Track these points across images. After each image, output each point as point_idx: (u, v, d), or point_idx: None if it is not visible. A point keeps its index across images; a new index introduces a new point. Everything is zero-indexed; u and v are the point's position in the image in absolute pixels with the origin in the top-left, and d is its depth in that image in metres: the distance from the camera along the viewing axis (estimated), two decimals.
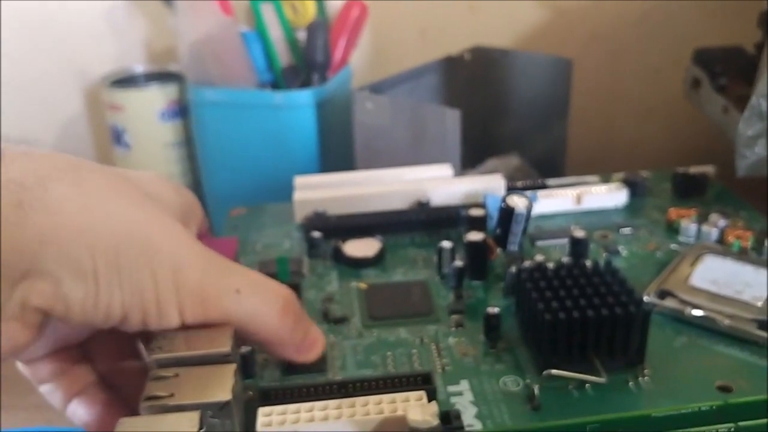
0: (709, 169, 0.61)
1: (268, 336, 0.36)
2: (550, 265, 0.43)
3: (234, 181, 0.78)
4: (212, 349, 0.34)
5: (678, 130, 0.92)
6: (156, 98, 0.83)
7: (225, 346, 0.34)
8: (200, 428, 0.29)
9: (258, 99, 0.75)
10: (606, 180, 0.60)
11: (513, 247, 0.48)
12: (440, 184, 0.57)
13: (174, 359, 0.34)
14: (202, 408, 0.31)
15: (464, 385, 0.39)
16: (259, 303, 0.36)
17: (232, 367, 0.34)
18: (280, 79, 0.79)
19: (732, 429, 0.29)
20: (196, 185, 0.86)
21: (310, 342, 0.38)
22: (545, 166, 0.78)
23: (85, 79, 0.91)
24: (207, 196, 0.82)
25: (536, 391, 0.37)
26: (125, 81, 0.86)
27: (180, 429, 0.28)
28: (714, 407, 0.30)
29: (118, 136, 0.85)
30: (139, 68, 0.88)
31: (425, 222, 0.55)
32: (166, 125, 0.84)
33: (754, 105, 0.54)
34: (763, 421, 0.29)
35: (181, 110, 0.84)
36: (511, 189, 0.57)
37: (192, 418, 0.29)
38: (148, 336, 0.35)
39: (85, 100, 0.92)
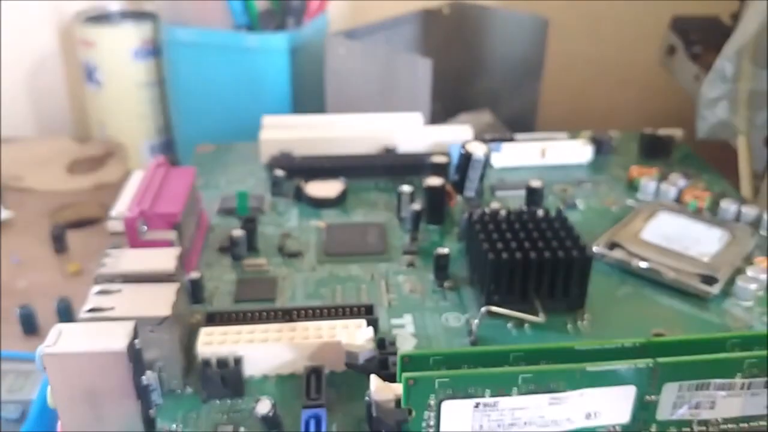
0: (676, 132, 0.61)
1: None
2: (503, 212, 0.43)
3: (205, 123, 0.78)
4: (157, 268, 0.35)
5: (653, 97, 0.92)
6: (130, 36, 0.82)
7: (169, 266, 0.35)
8: (134, 338, 0.29)
9: (231, 40, 0.75)
10: (574, 137, 0.61)
11: (470, 193, 0.48)
12: (408, 131, 0.57)
13: (118, 275, 0.34)
14: (141, 322, 0.31)
15: (407, 319, 0.40)
16: None
17: (175, 285, 0.34)
18: (255, 22, 0.78)
19: (651, 364, 0.30)
20: (167, 127, 0.86)
21: None
22: (517, 125, 0.78)
23: (59, 14, 0.89)
24: (178, 137, 0.82)
25: (474, 327, 0.38)
26: (100, 18, 0.85)
27: (114, 337, 0.29)
28: (637, 344, 0.31)
29: (90, 73, 0.85)
30: (115, 5, 0.87)
31: (390, 168, 0.55)
32: (139, 64, 0.83)
33: (718, 68, 0.55)
34: (682, 358, 0.30)
35: (155, 50, 0.84)
36: (480, 140, 0.57)
37: (127, 327, 0.29)
38: None
39: (58, 36, 0.91)
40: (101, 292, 0.34)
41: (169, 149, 0.88)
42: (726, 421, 0.32)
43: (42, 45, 0.91)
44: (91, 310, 0.33)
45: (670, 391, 0.31)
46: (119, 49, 0.82)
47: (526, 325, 0.39)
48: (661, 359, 0.30)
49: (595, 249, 0.45)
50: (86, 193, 0.81)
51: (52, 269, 0.69)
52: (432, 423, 0.29)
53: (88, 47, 0.83)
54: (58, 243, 0.71)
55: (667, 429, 0.32)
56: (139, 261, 0.35)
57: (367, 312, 0.37)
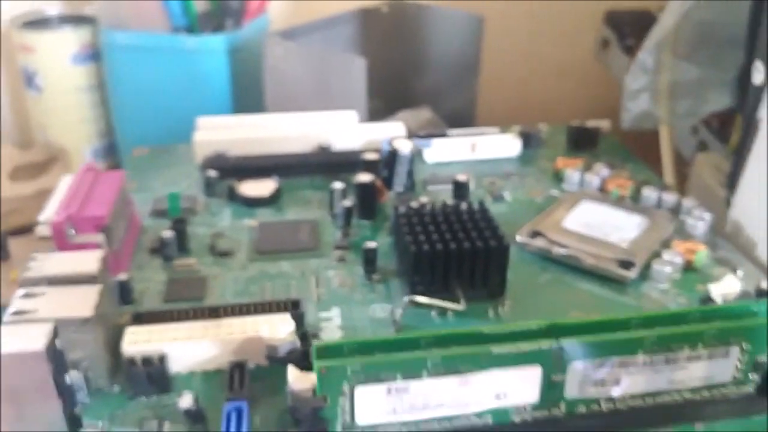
0: (603, 123, 0.63)
1: None
2: (428, 206, 0.44)
3: (146, 126, 0.78)
4: (80, 270, 0.35)
5: (590, 90, 0.95)
6: (68, 40, 0.82)
7: (92, 268, 0.35)
8: (53, 338, 0.30)
9: (170, 43, 0.75)
10: (504, 132, 0.62)
11: (399, 188, 0.50)
12: (342, 130, 0.58)
13: (43, 278, 0.35)
14: (64, 323, 0.32)
15: (335, 312, 0.41)
16: None
17: (98, 287, 0.35)
18: (195, 25, 0.79)
19: (554, 344, 0.31)
20: (109, 130, 0.86)
21: None
22: (457, 121, 0.80)
23: None
24: (119, 141, 0.82)
25: (398, 316, 0.39)
26: (38, 23, 0.84)
27: (33, 338, 0.29)
28: (542, 327, 0.32)
29: (29, 79, 0.84)
30: (53, 10, 0.86)
31: (324, 165, 0.56)
32: (78, 69, 0.83)
33: (639, 60, 0.57)
34: (584, 337, 0.32)
35: (94, 54, 0.83)
36: (413, 137, 0.58)
37: (46, 328, 0.30)
38: None
39: None
40: (26, 296, 0.34)
41: (111, 153, 0.88)
42: (632, 397, 0.34)
43: None
44: (15, 313, 0.33)
45: (575, 369, 0.33)
46: (58, 54, 0.82)
47: (449, 313, 0.40)
48: (563, 339, 0.32)
49: (517, 238, 0.47)
50: (29, 199, 0.81)
51: None
52: (347, 409, 0.31)
53: (26, 52, 0.83)
54: (1, 250, 0.71)
55: (575, 406, 0.34)
56: (64, 264, 0.36)
57: (293, 307, 0.38)
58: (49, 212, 0.42)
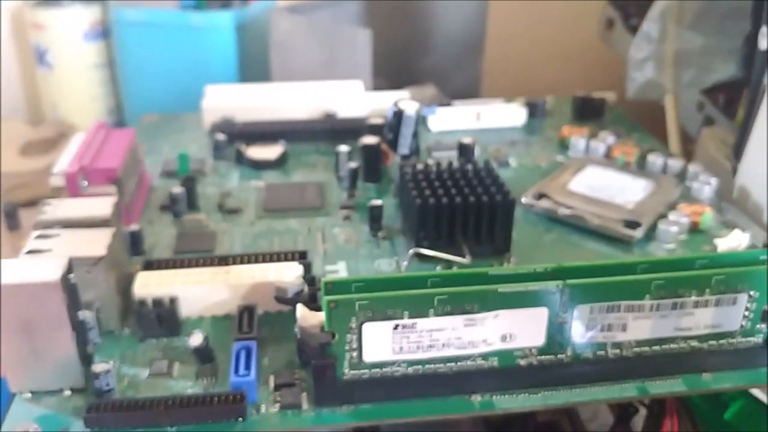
0: (609, 95, 0.64)
1: None
2: (434, 167, 0.45)
3: (155, 102, 0.78)
4: (93, 214, 0.36)
5: (594, 73, 0.95)
6: (79, 18, 0.83)
7: (105, 212, 0.36)
8: (68, 272, 0.30)
9: (178, 19, 0.75)
10: (509, 102, 0.63)
11: (404, 150, 0.50)
12: (348, 98, 0.58)
13: (57, 221, 0.36)
14: (77, 262, 0.33)
15: (341, 265, 0.41)
16: None
17: (111, 230, 0.35)
18: (202, 2, 0.79)
19: (560, 285, 0.32)
20: (118, 108, 0.87)
21: None
22: (461, 99, 0.80)
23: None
24: (129, 118, 0.83)
25: (403, 268, 0.39)
26: (49, 1, 0.85)
27: (49, 269, 0.30)
28: (548, 269, 0.33)
29: (41, 56, 0.85)
30: None
31: (330, 131, 0.56)
32: (89, 46, 0.84)
33: (644, 30, 0.57)
34: (591, 279, 0.32)
35: (105, 32, 0.84)
36: None
37: (61, 262, 0.30)
38: None
39: (10, 20, 0.91)
40: (40, 237, 0.35)
41: None
42: (639, 343, 0.34)
43: None
44: (29, 252, 0.34)
45: (581, 313, 0.33)
46: (69, 32, 0.83)
47: (455, 267, 0.41)
48: (570, 281, 0.32)
49: (523, 200, 0.47)
50: (39, 173, 0.82)
51: (5, 245, 0.70)
52: (354, 345, 0.31)
53: (38, 30, 0.83)
54: (11, 220, 0.72)
55: (582, 352, 0.34)
56: (77, 209, 0.37)
57: (301, 257, 0.39)
58: (63, 164, 0.42)
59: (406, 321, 0.31)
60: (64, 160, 0.43)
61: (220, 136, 0.53)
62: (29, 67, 0.90)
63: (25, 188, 0.80)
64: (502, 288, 0.31)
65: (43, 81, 0.86)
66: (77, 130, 0.87)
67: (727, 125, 0.62)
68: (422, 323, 0.31)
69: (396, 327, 0.31)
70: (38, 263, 0.31)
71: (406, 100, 0.49)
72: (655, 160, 0.53)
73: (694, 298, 0.34)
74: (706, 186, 0.50)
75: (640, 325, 0.34)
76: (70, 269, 0.31)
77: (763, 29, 0.49)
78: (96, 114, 0.87)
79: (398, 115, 0.48)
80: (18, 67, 0.92)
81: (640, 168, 0.53)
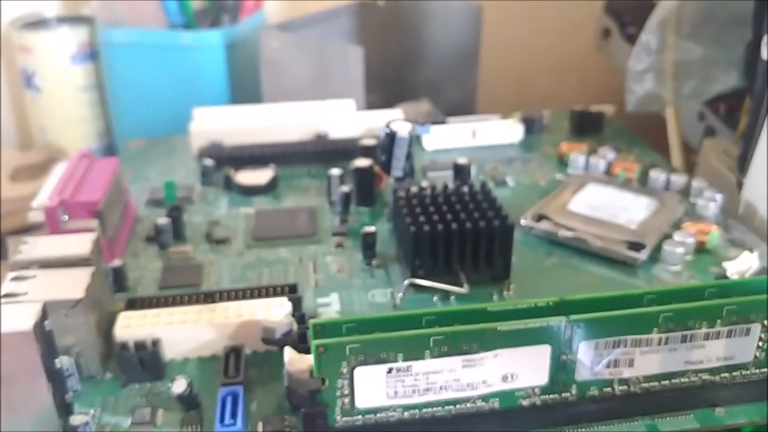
0: (607, 108, 0.62)
1: None
2: (429, 189, 0.43)
3: (144, 124, 0.77)
4: (71, 252, 0.34)
5: (591, 84, 0.93)
6: (67, 40, 0.81)
7: (84, 250, 0.34)
8: (42, 319, 0.29)
9: (166, 39, 0.74)
10: (505, 118, 0.61)
11: (398, 172, 0.49)
12: (340, 118, 0.57)
13: (34, 261, 0.34)
14: (54, 306, 0.31)
15: (334, 297, 0.39)
16: None
17: (90, 270, 0.34)
18: (191, 21, 0.78)
19: (563, 321, 0.30)
20: (108, 130, 0.85)
21: None
22: (457, 113, 0.78)
23: None
24: (119, 140, 0.81)
25: (398, 300, 0.38)
26: (36, 24, 0.83)
27: (21, 318, 0.28)
28: (550, 303, 0.31)
29: (28, 80, 0.83)
30: (51, 11, 0.85)
31: (321, 153, 0.55)
32: (77, 68, 0.82)
33: (643, 41, 0.55)
34: (595, 314, 0.30)
35: (93, 53, 0.82)
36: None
37: (34, 308, 0.29)
38: None
39: None
40: (16, 278, 0.33)
41: (110, 153, 0.86)
42: (647, 378, 0.33)
43: None
44: (5, 296, 0.32)
45: (586, 349, 0.31)
46: (57, 54, 0.81)
47: (452, 297, 0.39)
48: (573, 316, 0.30)
49: (522, 222, 0.46)
50: (29, 200, 0.80)
51: None
52: (346, 391, 0.29)
53: (25, 53, 0.82)
54: None
55: (587, 390, 0.32)
56: (55, 247, 0.35)
57: (290, 291, 0.37)
58: (42, 198, 0.40)
59: (401, 364, 0.29)
60: (44, 194, 0.41)
61: (208, 162, 0.52)
62: (17, 92, 0.88)
63: (16, 215, 0.79)
64: (502, 326, 0.30)
65: (31, 105, 0.85)
66: (67, 154, 0.85)
67: (729, 136, 0.61)
68: (418, 366, 0.29)
69: (390, 371, 0.29)
70: (11, 310, 0.29)
71: (398, 121, 0.47)
72: (657, 176, 0.51)
73: (704, 329, 0.32)
74: (711, 203, 0.48)
75: (648, 360, 0.32)
76: (44, 316, 0.29)
77: (765, 38, 0.47)
78: (85, 137, 0.85)
79: (390, 136, 0.47)
80: (6, 91, 0.91)
81: (642, 185, 0.51)
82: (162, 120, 0.76)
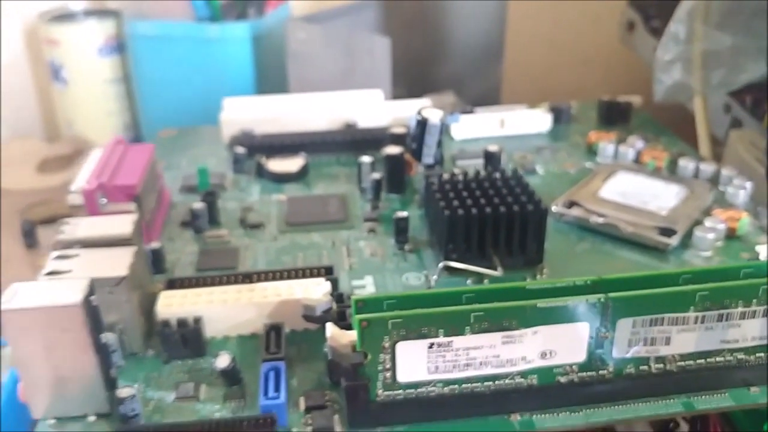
0: (635, 99, 0.62)
1: None
2: (461, 176, 0.43)
3: (171, 115, 0.78)
4: (113, 233, 0.35)
5: (615, 76, 0.94)
6: (94, 33, 0.82)
7: (126, 230, 0.35)
8: (89, 294, 0.29)
9: (194, 32, 0.75)
10: (533, 108, 0.61)
11: (428, 159, 0.49)
12: (368, 107, 0.57)
13: (76, 241, 0.35)
14: (99, 283, 0.31)
15: (368, 280, 0.40)
16: None
17: (132, 249, 0.34)
18: (217, 14, 0.78)
19: (602, 299, 0.30)
20: (134, 123, 0.86)
21: None
22: (481, 105, 0.79)
23: (23, 15, 0.89)
24: (145, 132, 0.82)
25: (433, 282, 0.38)
26: (63, 17, 0.85)
27: (70, 292, 0.29)
28: (588, 282, 0.31)
29: (56, 72, 0.84)
30: (78, 4, 0.87)
31: (351, 142, 0.55)
32: (104, 61, 0.83)
33: (671, 30, 0.55)
34: (633, 292, 0.31)
35: (119, 46, 0.84)
36: None
37: (82, 283, 0.29)
38: None
39: (23, 37, 0.90)
40: (59, 257, 0.34)
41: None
42: (683, 357, 0.33)
43: (8, 47, 0.90)
44: (49, 273, 0.33)
45: (624, 327, 0.32)
46: (84, 47, 0.82)
47: (486, 281, 0.39)
48: (612, 294, 0.31)
49: (553, 209, 0.46)
50: (57, 190, 0.81)
51: (23, 264, 0.69)
52: (388, 365, 0.30)
53: (53, 46, 0.83)
54: (29, 238, 0.71)
55: (624, 367, 0.32)
56: (97, 227, 0.36)
57: (327, 273, 0.38)
58: (81, 181, 0.41)
59: (442, 339, 0.30)
60: (82, 178, 0.42)
61: (240, 150, 0.52)
62: (44, 83, 0.90)
63: (43, 205, 0.80)
64: (541, 303, 0.30)
65: (58, 97, 0.86)
66: (93, 146, 0.86)
67: (756, 127, 0.61)
68: (458, 341, 0.30)
69: (431, 346, 0.30)
70: (58, 285, 0.29)
71: (429, 109, 0.48)
72: (686, 164, 0.51)
73: (740, 309, 0.32)
74: (741, 191, 0.48)
75: (685, 338, 0.33)
76: (91, 291, 0.30)
77: None
78: (112, 129, 0.86)
79: (422, 123, 0.47)
80: (33, 84, 0.92)
81: (671, 173, 0.51)
82: (188, 111, 0.77)
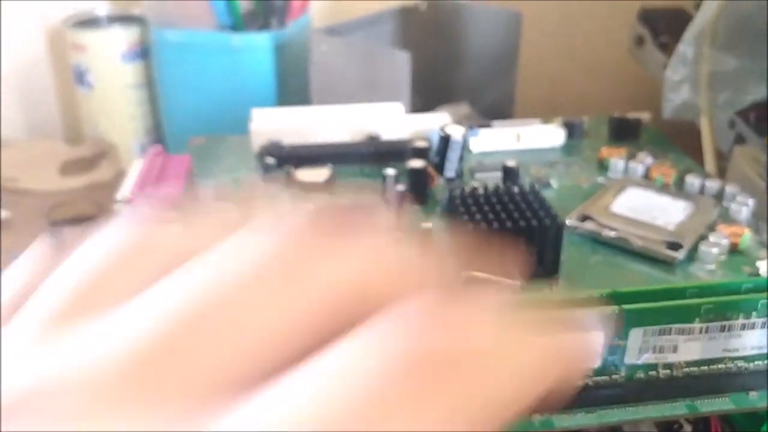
0: (644, 115, 0.65)
1: None
2: (481, 189, 0.46)
3: (194, 123, 0.81)
4: None
5: (625, 89, 0.96)
6: (118, 39, 0.85)
7: None
8: None
9: (217, 40, 0.78)
10: (546, 123, 0.64)
11: (450, 173, 0.52)
12: (390, 120, 0.60)
13: None
14: None
15: None
16: None
17: None
18: (239, 23, 0.81)
19: (617, 310, 0.33)
20: (156, 127, 0.89)
21: None
22: (494, 116, 0.81)
23: (48, 21, 0.92)
24: (167, 137, 0.85)
25: None
26: (89, 22, 0.87)
27: None
28: (603, 294, 0.34)
29: (80, 76, 0.87)
30: (102, 10, 0.89)
31: (374, 154, 0.58)
32: (128, 66, 0.86)
33: (680, 51, 0.58)
34: (645, 305, 0.34)
35: (143, 52, 0.86)
36: None
37: None
38: None
39: (47, 41, 0.93)
40: None
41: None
42: (688, 364, 0.36)
43: (32, 50, 0.93)
44: None
45: (635, 336, 0.35)
46: (109, 52, 0.85)
47: None
48: (625, 306, 0.34)
49: (567, 222, 0.49)
50: (80, 191, 0.84)
51: None
52: None
53: (78, 51, 0.86)
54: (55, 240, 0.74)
55: (635, 372, 0.35)
56: None
57: None
58: (125, 191, 0.44)
59: None
60: (126, 188, 0.45)
61: (270, 160, 0.55)
62: (67, 87, 0.92)
63: (68, 206, 0.83)
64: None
65: (83, 101, 0.89)
66: (116, 149, 0.89)
67: (758, 143, 0.64)
68: None
69: None
70: None
71: (451, 125, 0.51)
72: (693, 181, 0.54)
73: (741, 321, 0.35)
74: (743, 207, 0.51)
75: (690, 347, 0.36)
76: None
77: None
78: (134, 133, 0.89)
79: (445, 140, 0.50)
80: (56, 88, 0.95)
81: (679, 189, 0.54)
82: (211, 118, 0.80)
